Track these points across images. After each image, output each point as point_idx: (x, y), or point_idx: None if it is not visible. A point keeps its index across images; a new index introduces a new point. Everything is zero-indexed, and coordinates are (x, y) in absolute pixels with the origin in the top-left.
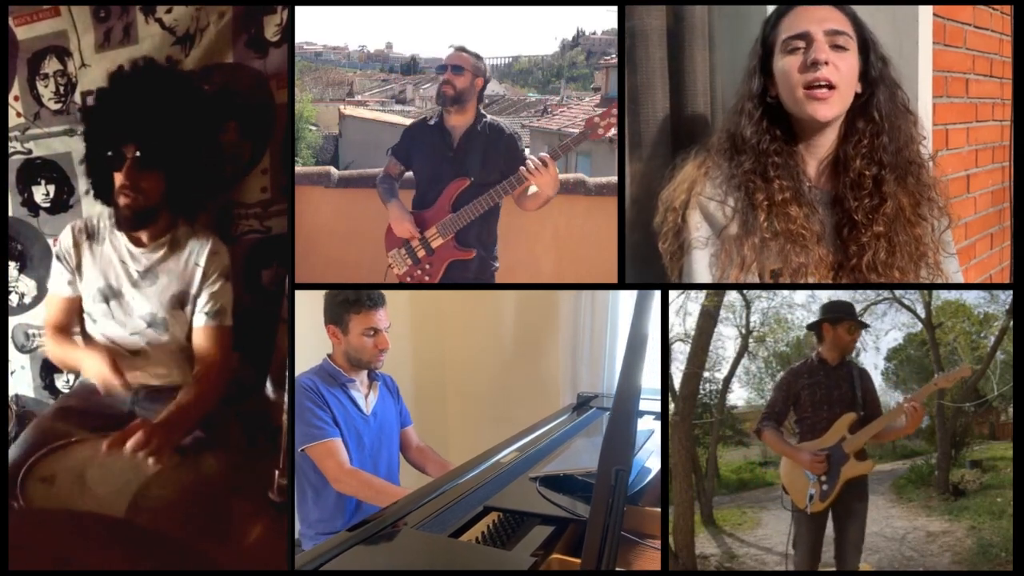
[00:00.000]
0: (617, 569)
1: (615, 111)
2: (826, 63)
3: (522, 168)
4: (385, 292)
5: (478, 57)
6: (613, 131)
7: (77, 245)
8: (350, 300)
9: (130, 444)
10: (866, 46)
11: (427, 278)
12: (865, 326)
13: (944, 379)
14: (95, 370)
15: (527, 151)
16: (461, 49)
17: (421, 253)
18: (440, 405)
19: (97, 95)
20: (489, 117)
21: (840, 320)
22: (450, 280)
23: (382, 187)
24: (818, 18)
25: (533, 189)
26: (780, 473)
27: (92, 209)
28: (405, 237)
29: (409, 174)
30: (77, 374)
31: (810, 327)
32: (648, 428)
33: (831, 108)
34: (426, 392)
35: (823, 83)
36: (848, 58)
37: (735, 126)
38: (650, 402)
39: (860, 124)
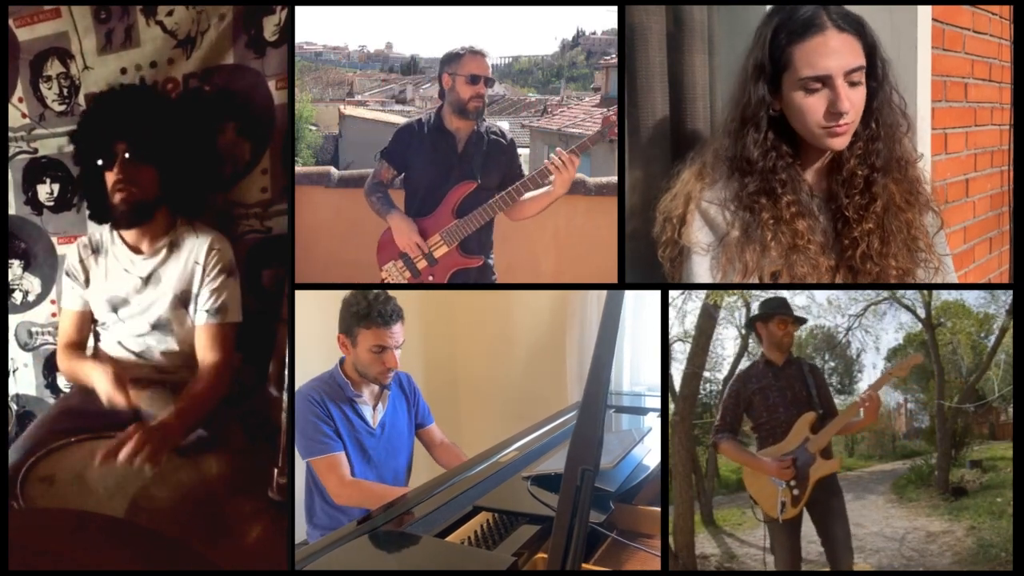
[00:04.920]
0: (616, 570)
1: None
2: (848, 111)
3: (547, 162)
4: (395, 296)
5: None
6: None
7: (83, 261)
8: (360, 313)
9: (122, 455)
10: (872, 55)
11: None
12: (800, 320)
13: (897, 368)
14: (99, 385)
15: (526, 151)
16: (482, 54)
17: (422, 264)
18: (452, 403)
19: (80, 116)
20: (488, 121)
21: (770, 316)
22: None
23: (375, 196)
24: (835, 54)
25: (540, 191)
26: (745, 484)
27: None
28: (408, 251)
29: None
30: None
31: (747, 327)
32: (648, 425)
33: (847, 139)
34: (438, 390)
35: (843, 124)
36: (861, 89)
37: (739, 149)
38: (653, 399)
39: (858, 129)
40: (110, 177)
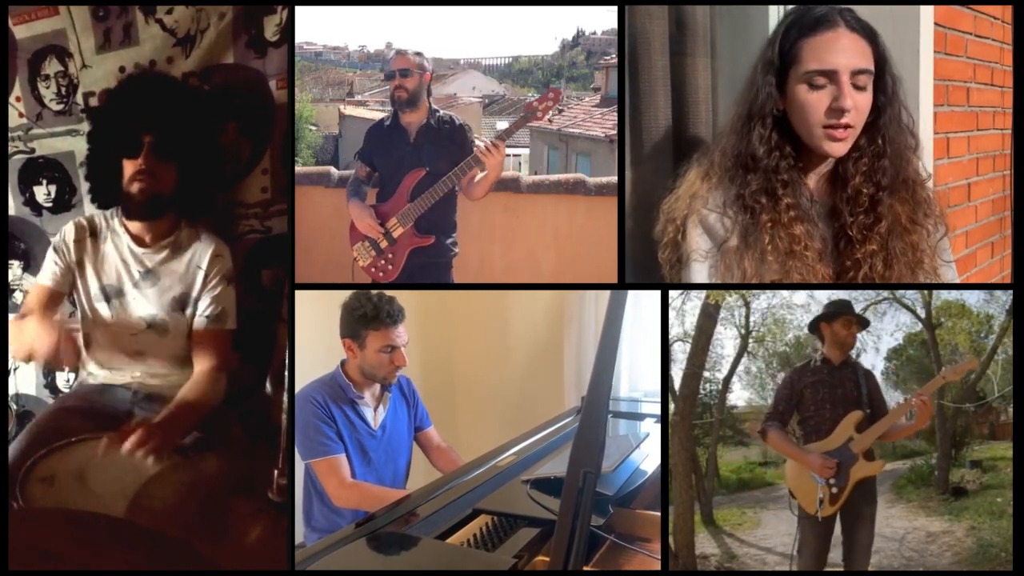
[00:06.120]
0: (613, 570)
1: (552, 95)
2: (851, 109)
3: (475, 149)
4: (397, 297)
5: (419, 55)
6: (551, 114)
7: (79, 241)
8: (368, 316)
9: (128, 443)
10: (882, 69)
11: (391, 267)
12: (865, 322)
13: (951, 372)
14: (38, 344)
15: (477, 139)
16: (403, 52)
17: (384, 244)
18: (449, 404)
19: (105, 96)
20: (441, 111)
21: (836, 316)
22: (411, 266)
23: (348, 189)
24: (844, 51)
25: (480, 175)
26: (786, 477)
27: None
28: (369, 233)
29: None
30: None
31: (810, 328)
32: (645, 431)
33: (846, 145)
34: (435, 391)
35: (844, 125)
36: (866, 95)
37: (744, 145)
38: (650, 404)
39: (863, 142)
40: (130, 166)
